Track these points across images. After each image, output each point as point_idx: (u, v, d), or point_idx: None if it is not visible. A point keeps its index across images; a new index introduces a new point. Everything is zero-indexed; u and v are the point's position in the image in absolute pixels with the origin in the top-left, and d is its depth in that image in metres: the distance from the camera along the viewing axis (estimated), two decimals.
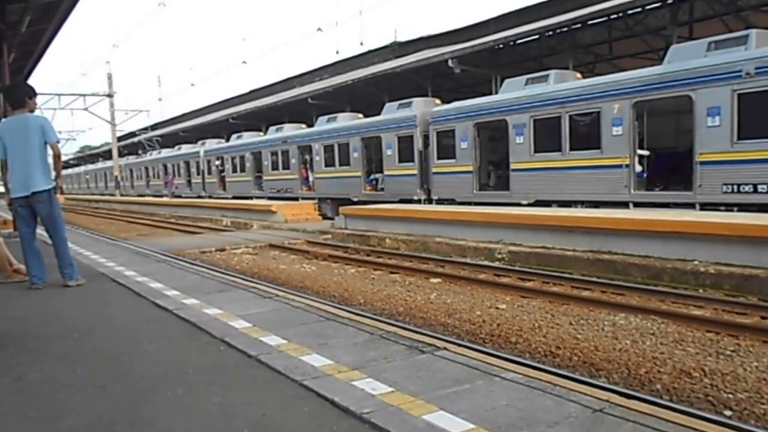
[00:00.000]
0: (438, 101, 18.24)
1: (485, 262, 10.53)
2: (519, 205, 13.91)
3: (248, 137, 27.85)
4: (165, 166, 36.39)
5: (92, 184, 52.12)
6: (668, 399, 4.32)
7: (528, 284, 8.71)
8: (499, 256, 10.67)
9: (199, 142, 33.33)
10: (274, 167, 24.69)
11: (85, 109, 37.91)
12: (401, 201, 17.54)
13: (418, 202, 17.15)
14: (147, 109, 76.15)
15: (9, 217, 12.45)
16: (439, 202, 16.52)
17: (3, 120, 6.46)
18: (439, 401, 2.69)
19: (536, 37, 17.19)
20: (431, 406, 2.63)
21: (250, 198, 25.78)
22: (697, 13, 16.03)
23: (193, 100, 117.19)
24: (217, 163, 29.70)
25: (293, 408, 2.71)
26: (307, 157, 22.89)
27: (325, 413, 2.63)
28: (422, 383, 2.94)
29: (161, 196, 35.23)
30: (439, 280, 9.37)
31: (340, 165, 20.52)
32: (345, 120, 21.20)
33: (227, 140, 30.72)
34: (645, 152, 12.43)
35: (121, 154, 44.00)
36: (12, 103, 5.94)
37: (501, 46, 17.67)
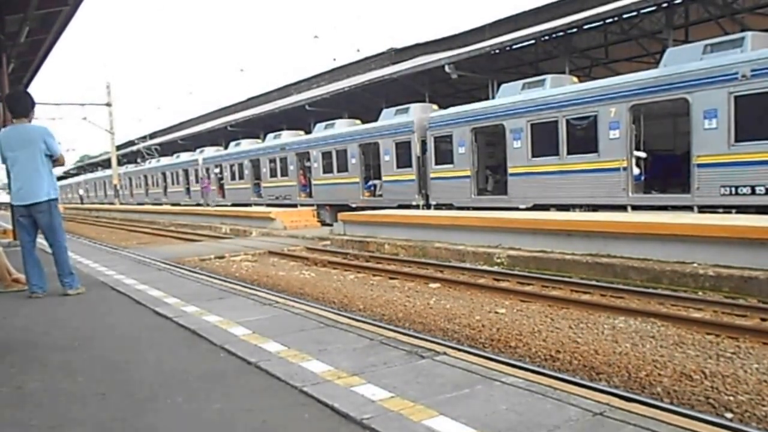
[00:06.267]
0: (435, 107, 18.30)
1: (484, 267, 10.53)
2: (517, 209, 13.93)
3: (246, 145, 27.90)
4: (164, 175, 36.43)
5: (91, 193, 52.12)
6: (669, 402, 4.31)
7: (527, 288, 8.71)
8: (498, 261, 10.67)
9: (198, 150, 33.35)
10: (273, 174, 24.73)
11: (84, 118, 37.96)
12: (399, 206, 17.58)
13: (417, 207, 17.18)
14: (146, 117, 76.22)
15: (9, 226, 12.46)
16: (438, 207, 16.54)
17: (4, 129, 6.47)
18: (439, 406, 2.68)
19: (532, 42, 17.25)
20: (431, 411, 2.63)
21: (249, 205, 25.79)
22: (693, 17, 16.09)
23: (191, 108, 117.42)
24: (216, 170, 29.72)
25: (293, 414, 2.71)
26: (306, 163, 22.93)
27: (326, 419, 2.63)
28: (422, 388, 2.94)
29: (161, 204, 35.23)
30: (438, 285, 9.36)
31: (338, 171, 20.56)
32: (342, 126, 21.25)
33: (225, 148, 30.76)
34: (641, 154, 12.46)
35: (120, 163, 44.03)
36: (17, 112, 5.93)
37: (497, 51, 17.71)
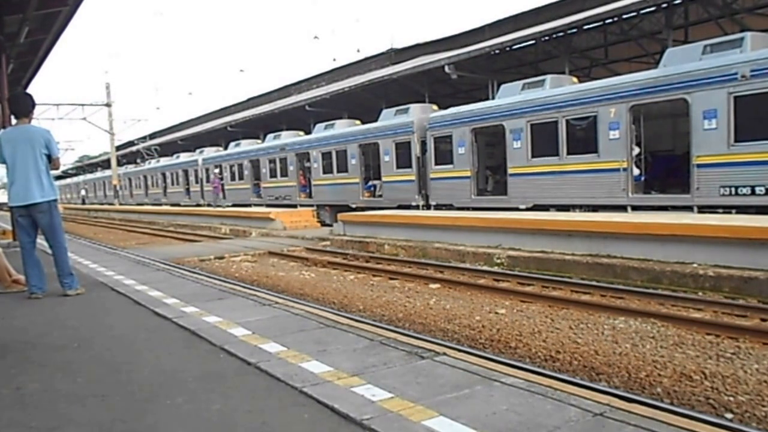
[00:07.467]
0: (435, 107, 18.29)
1: (484, 267, 10.53)
2: (517, 209, 13.93)
3: (246, 145, 27.88)
4: (164, 175, 36.43)
5: (91, 193, 52.09)
6: (669, 402, 4.31)
7: (527, 289, 8.71)
8: (498, 261, 10.66)
9: (197, 151, 33.35)
10: (273, 175, 24.72)
11: (84, 118, 37.98)
12: (399, 207, 17.57)
13: (417, 207, 17.17)
14: (145, 118, 76.22)
15: (8, 227, 12.45)
16: (437, 207, 16.53)
17: (4, 130, 6.48)
18: (439, 407, 2.68)
19: (532, 42, 17.25)
20: (431, 411, 2.63)
21: (249, 206, 25.79)
22: (692, 17, 16.10)
23: (191, 108, 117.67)
24: (216, 171, 29.71)
25: (293, 415, 2.71)
26: (305, 164, 22.92)
27: (325, 420, 2.63)
28: (422, 389, 2.94)
29: (160, 204, 35.22)
30: (438, 285, 9.36)
31: (338, 172, 20.55)
32: (342, 127, 21.25)
33: (225, 148, 30.74)
34: (635, 149, 12.38)
35: (120, 163, 44.01)
36: (19, 112, 5.98)
37: (497, 51, 17.72)
